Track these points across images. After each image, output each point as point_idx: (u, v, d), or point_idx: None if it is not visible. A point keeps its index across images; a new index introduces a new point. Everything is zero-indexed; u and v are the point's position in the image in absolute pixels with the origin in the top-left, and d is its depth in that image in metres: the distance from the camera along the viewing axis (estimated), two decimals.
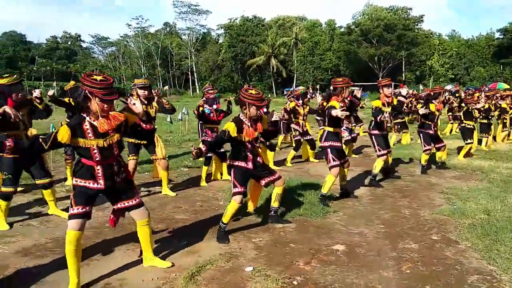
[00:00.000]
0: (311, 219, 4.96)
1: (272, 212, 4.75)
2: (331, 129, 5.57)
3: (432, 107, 7.58)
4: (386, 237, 4.43)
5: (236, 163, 4.33)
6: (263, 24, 63.22)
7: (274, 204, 4.70)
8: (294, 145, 8.87)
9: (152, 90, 6.01)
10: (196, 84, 61.70)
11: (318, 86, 48.85)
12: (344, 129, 9.57)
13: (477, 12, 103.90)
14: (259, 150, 4.61)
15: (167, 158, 5.98)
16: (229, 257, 3.82)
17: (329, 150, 5.54)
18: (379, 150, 6.81)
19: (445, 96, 13.51)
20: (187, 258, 3.81)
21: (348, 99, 5.67)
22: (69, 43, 75.02)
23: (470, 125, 9.17)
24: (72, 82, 6.94)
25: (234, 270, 3.54)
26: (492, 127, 11.20)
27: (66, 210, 4.32)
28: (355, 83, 37.86)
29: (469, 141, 9.10)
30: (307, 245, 4.15)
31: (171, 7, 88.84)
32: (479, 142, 10.75)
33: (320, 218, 4.99)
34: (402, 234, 4.51)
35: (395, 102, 7.03)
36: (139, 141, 5.88)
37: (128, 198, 3.37)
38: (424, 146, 7.69)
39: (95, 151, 3.13)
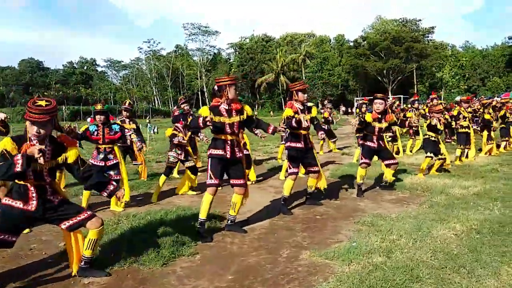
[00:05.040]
0: (144, 268, 3.68)
1: (82, 263, 3.48)
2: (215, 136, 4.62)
3: (368, 117, 6.28)
4: None
5: (8, 202, 3.14)
6: (273, 42, 63.01)
7: (86, 252, 3.45)
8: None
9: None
10: (207, 104, 61.50)
11: (326, 101, 47.60)
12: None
13: (491, 22, 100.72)
14: (59, 184, 3.42)
15: None
16: None
17: (210, 161, 4.56)
18: (289, 168, 5.56)
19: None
20: None
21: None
22: (85, 67, 76.21)
23: (433, 136, 7.73)
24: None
25: None
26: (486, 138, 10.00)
27: None
28: (364, 97, 36.60)
29: (428, 154, 7.64)
30: None
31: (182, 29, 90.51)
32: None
33: (158, 266, 3.71)
34: None
35: (314, 113, 5.77)
36: None
37: None
38: (361, 158, 6.38)
39: None
